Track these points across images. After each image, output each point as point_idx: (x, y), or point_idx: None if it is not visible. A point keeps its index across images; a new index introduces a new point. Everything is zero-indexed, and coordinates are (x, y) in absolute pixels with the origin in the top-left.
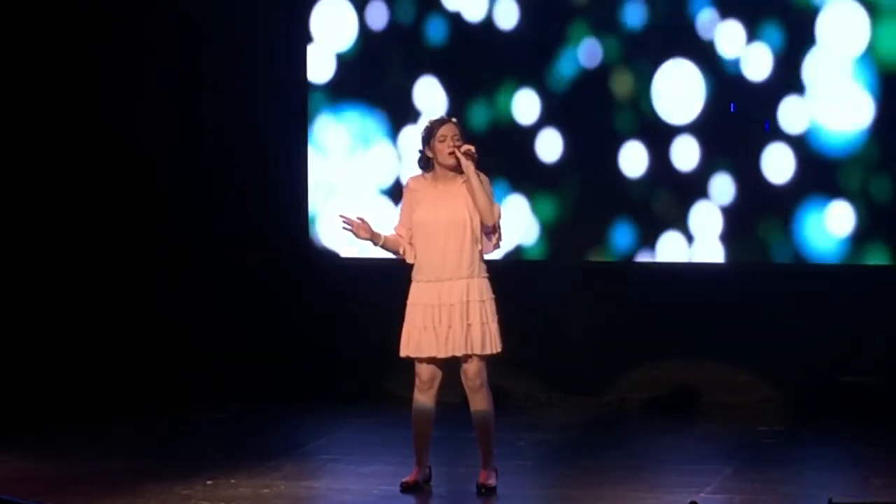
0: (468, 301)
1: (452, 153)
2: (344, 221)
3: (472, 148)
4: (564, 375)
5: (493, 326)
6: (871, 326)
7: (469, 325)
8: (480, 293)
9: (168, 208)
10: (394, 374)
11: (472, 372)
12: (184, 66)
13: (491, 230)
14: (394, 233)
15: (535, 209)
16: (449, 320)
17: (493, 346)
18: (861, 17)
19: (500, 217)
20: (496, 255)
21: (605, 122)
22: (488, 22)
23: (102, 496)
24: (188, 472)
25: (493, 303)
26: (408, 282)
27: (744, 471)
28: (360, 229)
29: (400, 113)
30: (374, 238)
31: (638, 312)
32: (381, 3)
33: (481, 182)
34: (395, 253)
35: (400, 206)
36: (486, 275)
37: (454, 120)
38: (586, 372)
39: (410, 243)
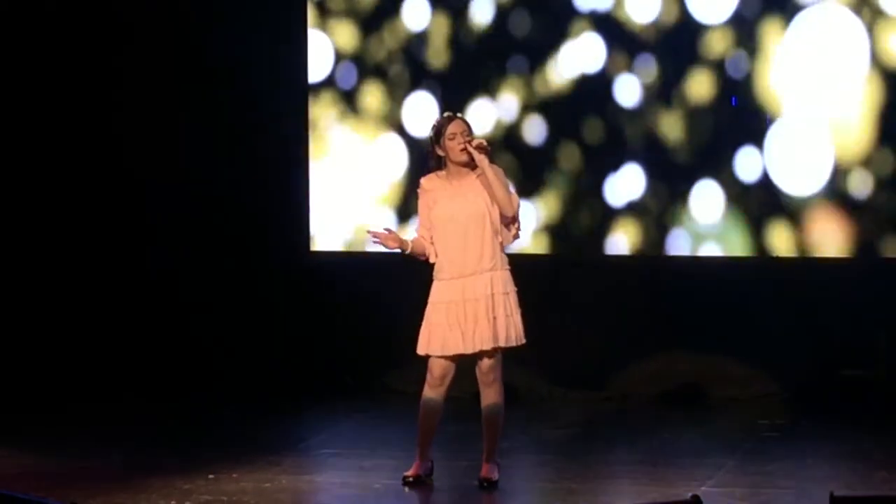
0: (493, 294)
1: (464, 149)
2: (373, 235)
3: (484, 141)
4: (566, 370)
5: (518, 318)
6: (873, 320)
7: (495, 318)
8: (504, 285)
9: (169, 204)
10: (395, 368)
11: (487, 366)
12: (185, 67)
13: (511, 220)
14: (416, 236)
15: (539, 204)
16: (475, 316)
17: (519, 337)
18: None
19: (518, 206)
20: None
21: (608, 120)
22: (492, 24)
23: (104, 491)
24: (190, 466)
25: (515, 295)
26: (409, 277)
27: (745, 464)
28: (389, 240)
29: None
30: (402, 246)
31: (640, 307)
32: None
33: (496, 173)
34: (423, 255)
35: (418, 209)
36: (507, 267)
37: (460, 115)
38: (588, 366)
39: (432, 243)
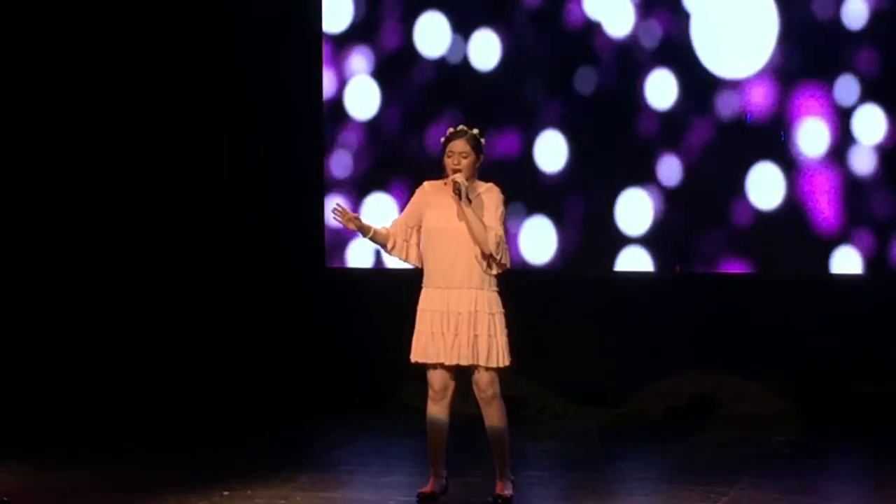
0: (476, 311)
1: (453, 172)
2: (335, 213)
3: (459, 181)
4: (580, 386)
5: (502, 339)
6: (887, 336)
7: (476, 336)
8: (490, 306)
9: (184, 222)
10: (410, 384)
11: (484, 383)
12: (204, 88)
13: (489, 256)
14: (387, 226)
15: (555, 221)
16: (456, 328)
17: (501, 359)
18: None
19: (496, 246)
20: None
21: (625, 141)
22: (515, 53)
23: None
24: (205, 482)
25: (502, 316)
26: None
27: (760, 481)
28: (350, 221)
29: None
30: (361, 230)
31: (654, 323)
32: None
33: (485, 202)
34: (382, 247)
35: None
36: (496, 288)
37: (475, 131)
38: (603, 382)
39: (406, 241)
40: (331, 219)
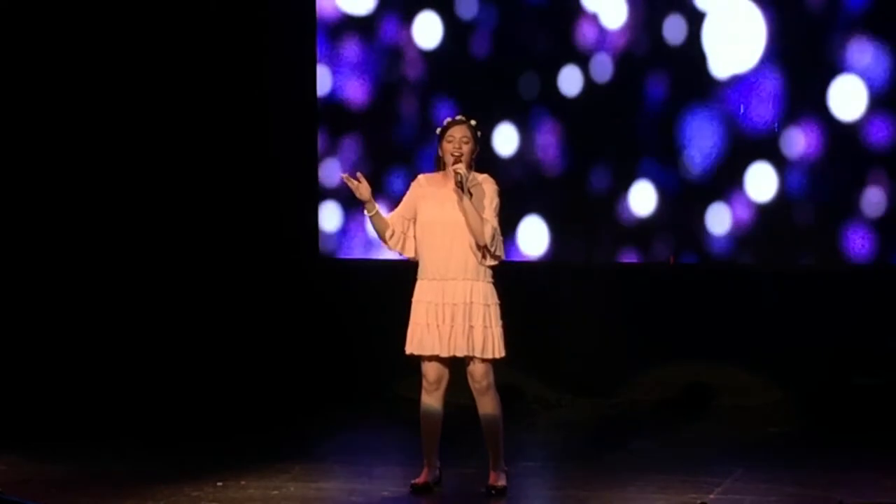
0: (471, 303)
1: (453, 162)
2: (346, 179)
3: (461, 170)
4: (574, 377)
5: (497, 331)
6: (884, 328)
7: (471, 328)
8: (485, 297)
9: (179, 213)
10: (404, 375)
11: (479, 374)
12: (202, 81)
13: (483, 247)
14: (387, 213)
15: (547, 211)
16: (451, 319)
17: (496, 350)
18: None
19: (491, 238)
20: (508, 256)
21: (620, 128)
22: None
23: (112, 498)
24: (198, 473)
25: (497, 308)
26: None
27: (754, 472)
28: (361, 188)
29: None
30: (369, 206)
31: (649, 314)
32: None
33: (481, 193)
34: (380, 234)
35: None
36: (490, 280)
37: (473, 122)
38: (596, 373)
39: (404, 233)
40: (325, 213)
